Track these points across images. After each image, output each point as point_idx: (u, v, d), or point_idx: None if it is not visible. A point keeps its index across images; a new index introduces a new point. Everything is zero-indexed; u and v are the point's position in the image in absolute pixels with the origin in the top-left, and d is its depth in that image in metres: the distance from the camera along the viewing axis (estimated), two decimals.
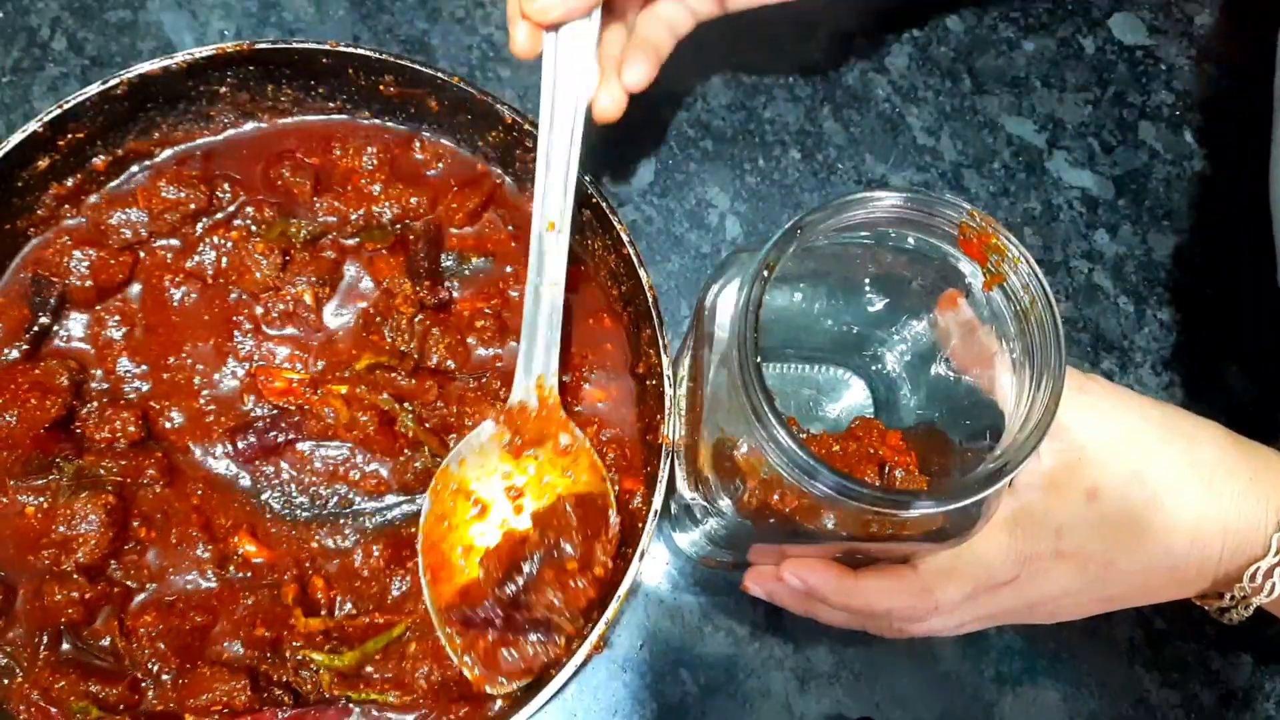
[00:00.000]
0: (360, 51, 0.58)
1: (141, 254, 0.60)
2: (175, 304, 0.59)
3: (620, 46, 0.55)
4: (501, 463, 0.55)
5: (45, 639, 0.52)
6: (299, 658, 0.53)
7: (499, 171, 0.63)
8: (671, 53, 0.58)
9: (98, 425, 0.55)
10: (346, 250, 0.61)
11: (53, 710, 0.51)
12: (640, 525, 0.53)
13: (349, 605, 0.55)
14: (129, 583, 0.54)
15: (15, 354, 0.56)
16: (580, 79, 0.50)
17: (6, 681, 0.51)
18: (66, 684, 0.50)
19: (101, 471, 0.54)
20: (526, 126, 0.58)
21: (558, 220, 0.52)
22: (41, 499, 0.54)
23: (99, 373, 0.58)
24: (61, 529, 0.52)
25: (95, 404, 0.56)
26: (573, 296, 0.62)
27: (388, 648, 0.54)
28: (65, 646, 0.52)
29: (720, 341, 0.47)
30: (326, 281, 0.59)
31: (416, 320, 0.59)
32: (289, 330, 0.59)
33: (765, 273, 0.42)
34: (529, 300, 0.53)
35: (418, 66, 0.58)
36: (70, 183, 0.59)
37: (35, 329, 0.57)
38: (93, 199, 0.60)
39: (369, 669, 0.54)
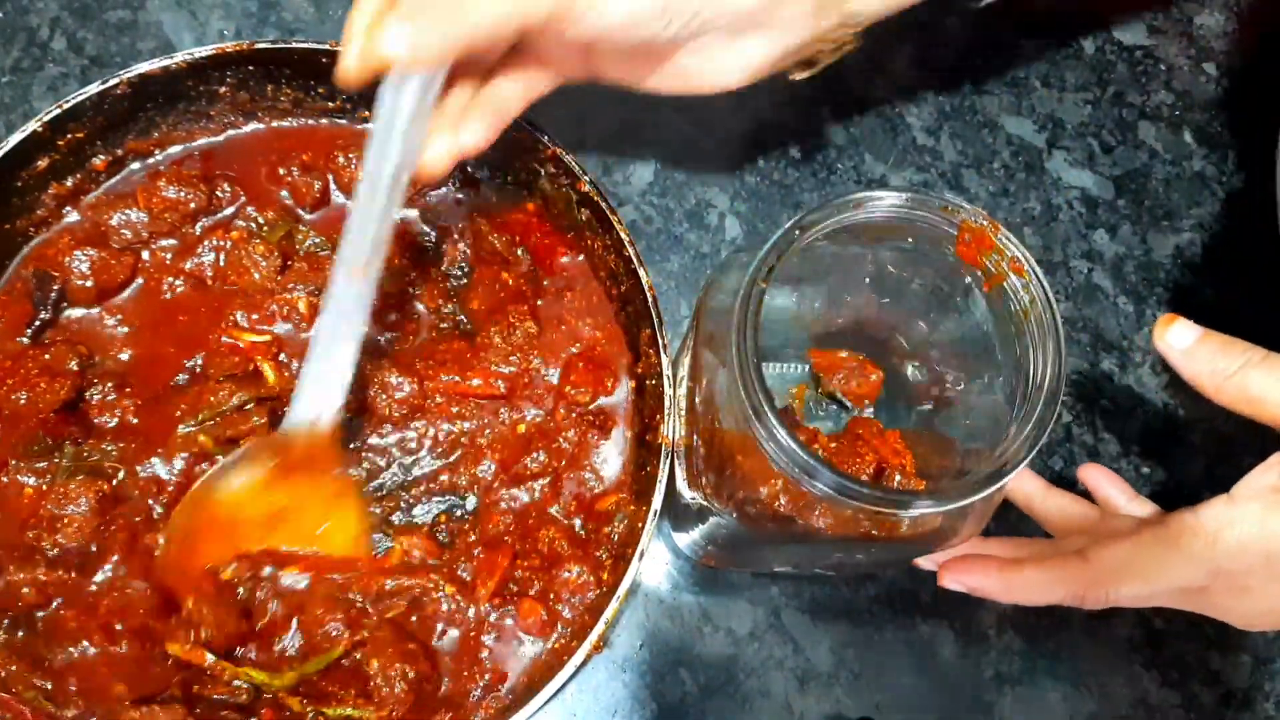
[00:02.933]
0: None
1: (144, 254, 0.60)
2: (173, 303, 0.59)
3: (461, 105, 0.48)
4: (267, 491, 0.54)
5: (7, 621, 0.52)
6: (226, 678, 0.52)
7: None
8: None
9: (100, 409, 0.56)
10: None
11: (7, 695, 0.50)
12: (640, 525, 0.53)
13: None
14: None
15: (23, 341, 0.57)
16: (413, 131, 0.44)
17: None
18: (19, 668, 0.50)
19: (99, 456, 0.55)
20: (527, 128, 0.58)
21: (364, 264, 0.48)
22: (42, 481, 0.54)
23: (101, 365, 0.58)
24: (50, 507, 0.53)
25: (100, 387, 0.56)
26: (572, 295, 0.62)
27: (337, 666, 0.53)
28: (20, 633, 0.52)
29: (720, 341, 0.47)
30: (322, 292, 0.59)
31: None
32: (279, 327, 0.59)
33: (765, 273, 0.42)
34: (323, 340, 0.51)
35: None
36: (70, 182, 0.59)
37: (37, 324, 0.57)
38: (92, 198, 0.60)
39: (326, 685, 0.53)
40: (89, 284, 0.58)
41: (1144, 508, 0.54)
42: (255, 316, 0.59)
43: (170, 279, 0.59)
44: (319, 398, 0.52)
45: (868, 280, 0.52)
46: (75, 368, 0.56)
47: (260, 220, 0.60)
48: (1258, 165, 0.76)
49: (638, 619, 0.62)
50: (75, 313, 0.58)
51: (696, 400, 0.50)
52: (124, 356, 0.58)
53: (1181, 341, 0.46)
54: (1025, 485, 0.57)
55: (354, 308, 0.50)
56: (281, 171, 0.61)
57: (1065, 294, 0.71)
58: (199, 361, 0.58)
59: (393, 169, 0.45)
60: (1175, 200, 0.75)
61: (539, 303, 0.61)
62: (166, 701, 0.51)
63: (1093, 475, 0.57)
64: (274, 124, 0.63)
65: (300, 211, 0.62)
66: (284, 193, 0.61)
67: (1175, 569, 0.45)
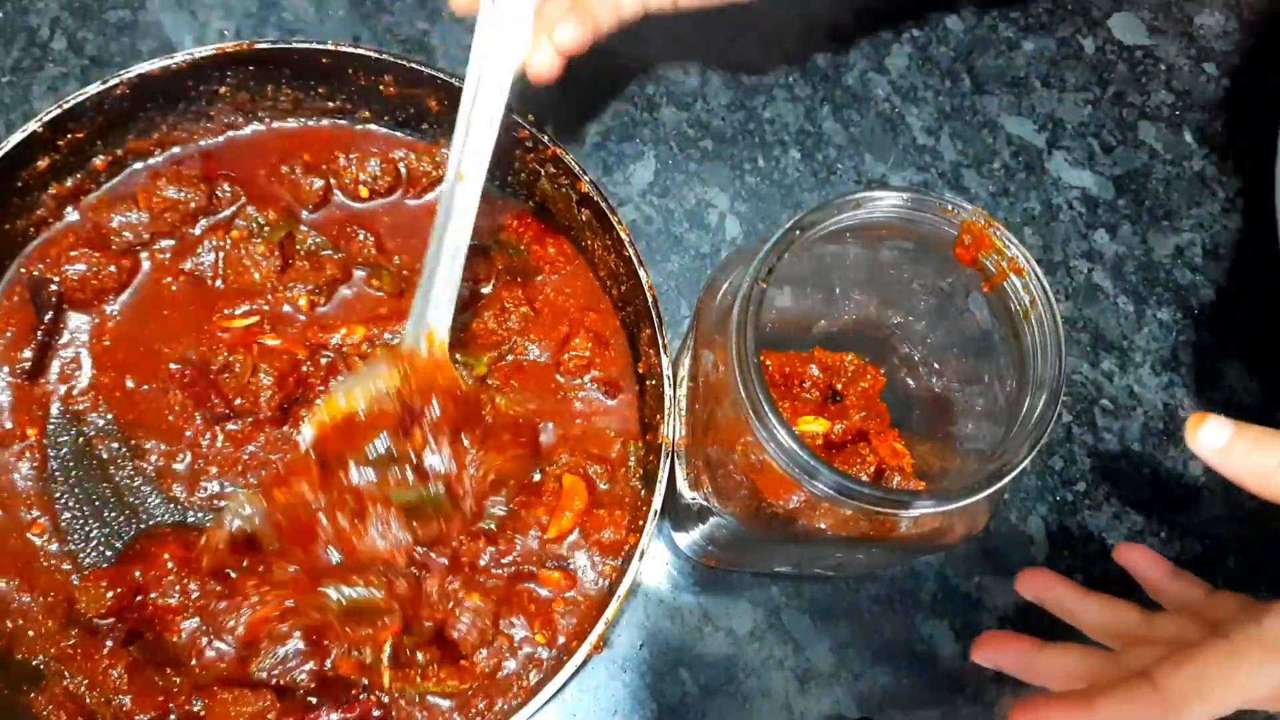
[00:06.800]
0: (360, 51, 0.58)
1: (144, 255, 0.60)
2: (173, 304, 0.59)
3: (561, 12, 0.53)
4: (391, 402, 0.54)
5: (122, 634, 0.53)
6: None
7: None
8: (611, 34, 0.55)
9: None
10: (350, 274, 0.61)
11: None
12: (641, 524, 0.53)
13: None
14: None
15: (28, 353, 0.57)
16: (514, 37, 0.50)
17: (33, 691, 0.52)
18: (120, 680, 0.51)
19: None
20: (527, 127, 0.58)
21: (470, 169, 0.52)
22: None
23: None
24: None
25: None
26: (570, 294, 0.62)
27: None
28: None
29: (720, 341, 0.47)
30: (322, 291, 0.59)
31: None
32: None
33: (765, 273, 0.42)
34: (431, 250, 0.53)
35: (418, 66, 0.58)
36: (70, 183, 0.59)
37: (42, 328, 0.57)
38: (92, 199, 0.60)
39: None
40: (89, 285, 0.58)
41: (1185, 584, 0.54)
42: (254, 310, 0.59)
43: (170, 278, 0.59)
44: (434, 306, 0.54)
45: (868, 280, 0.52)
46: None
47: (260, 220, 0.60)
48: (1258, 165, 0.76)
49: (638, 619, 0.62)
50: (77, 318, 0.58)
51: (696, 400, 0.50)
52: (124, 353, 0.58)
53: (1214, 440, 0.45)
54: (1058, 593, 0.55)
55: (462, 213, 0.52)
56: (284, 170, 0.61)
57: (1065, 294, 0.71)
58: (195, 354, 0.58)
59: (499, 68, 0.50)
60: (1175, 200, 0.75)
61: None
62: (256, 686, 0.51)
63: (1129, 556, 0.56)
64: (274, 124, 0.63)
65: (301, 211, 0.62)
66: (285, 193, 0.62)
67: (1248, 684, 0.44)
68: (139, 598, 0.53)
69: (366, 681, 0.53)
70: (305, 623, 0.52)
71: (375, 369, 0.54)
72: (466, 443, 0.54)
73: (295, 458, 0.55)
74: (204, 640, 0.53)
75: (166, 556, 0.54)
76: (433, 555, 0.54)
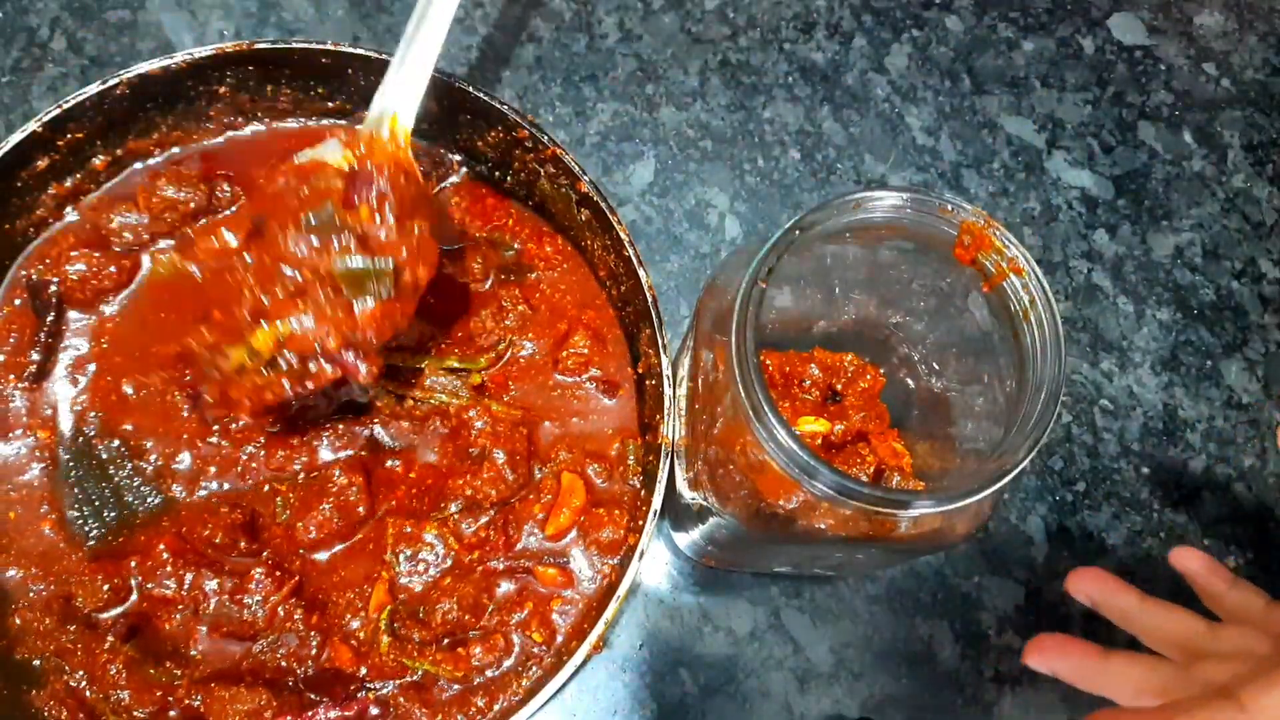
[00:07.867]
0: (360, 51, 0.58)
1: (144, 255, 0.60)
2: (171, 304, 0.59)
3: None
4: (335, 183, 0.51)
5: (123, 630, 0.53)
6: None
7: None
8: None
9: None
10: None
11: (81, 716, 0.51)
12: (640, 524, 0.53)
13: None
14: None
15: (35, 355, 0.57)
16: None
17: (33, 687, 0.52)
18: (117, 674, 0.52)
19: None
20: (527, 127, 0.58)
21: None
22: None
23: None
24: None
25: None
26: (567, 290, 0.62)
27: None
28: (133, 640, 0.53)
29: (720, 342, 0.47)
30: None
31: None
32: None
33: (765, 273, 0.42)
34: (406, 34, 0.52)
35: None
36: (70, 183, 0.59)
37: (44, 330, 0.57)
38: (92, 199, 0.60)
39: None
40: (89, 286, 0.58)
41: (1245, 593, 0.52)
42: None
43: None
44: (403, 91, 0.53)
45: (867, 280, 0.52)
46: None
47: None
48: (1258, 165, 0.76)
49: (638, 619, 0.62)
50: (79, 320, 0.58)
51: (696, 400, 0.50)
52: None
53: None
54: (1120, 600, 0.53)
55: (442, 6, 0.52)
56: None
57: (1065, 294, 0.71)
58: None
59: None
60: (1175, 200, 0.75)
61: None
62: (254, 684, 0.51)
63: (1187, 563, 0.53)
64: (274, 124, 0.63)
65: None
66: None
67: None
68: (135, 596, 0.54)
69: (365, 671, 0.54)
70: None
71: (328, 146, 0.52)
72: (417, 233, 0.50)
73: (230, 216, 0.55)
74: (200, 630, 0.53)
75: (161, 547, 0.54)
76: (358, 362, 0.50)
